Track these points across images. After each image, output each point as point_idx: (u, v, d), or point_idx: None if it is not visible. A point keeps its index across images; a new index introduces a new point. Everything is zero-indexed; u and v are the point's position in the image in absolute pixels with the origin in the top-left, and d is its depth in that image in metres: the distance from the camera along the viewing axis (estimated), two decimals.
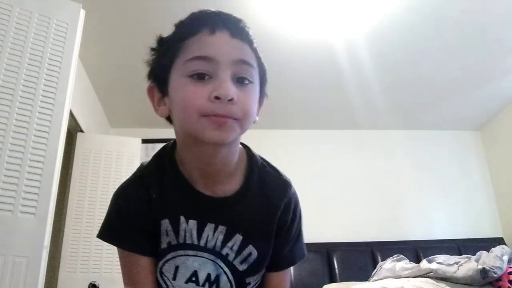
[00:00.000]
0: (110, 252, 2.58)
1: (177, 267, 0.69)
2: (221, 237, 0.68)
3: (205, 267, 0.69)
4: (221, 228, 0.68)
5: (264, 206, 0.71)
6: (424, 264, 2.13)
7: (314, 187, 3.60)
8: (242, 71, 0.65)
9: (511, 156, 3.64)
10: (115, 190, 0.76)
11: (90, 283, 2.47)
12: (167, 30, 0.77)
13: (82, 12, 1.87)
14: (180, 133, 0.68)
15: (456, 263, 2.02)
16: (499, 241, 3.39)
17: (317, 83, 3.16)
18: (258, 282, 0.73)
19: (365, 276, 2.81)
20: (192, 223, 0.68)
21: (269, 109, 3.75)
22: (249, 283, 0.70)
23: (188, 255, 0.68)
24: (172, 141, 0.74)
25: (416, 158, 3.87)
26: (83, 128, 2.79)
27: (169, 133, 2.99)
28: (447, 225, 3.64)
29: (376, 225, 3.48)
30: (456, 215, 3.70)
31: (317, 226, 3.46)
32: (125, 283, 0.74)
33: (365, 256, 3.26)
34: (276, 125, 3.69)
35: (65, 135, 1.73)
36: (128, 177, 0.76)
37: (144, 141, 3.40)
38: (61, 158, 1.69)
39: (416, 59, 2.93)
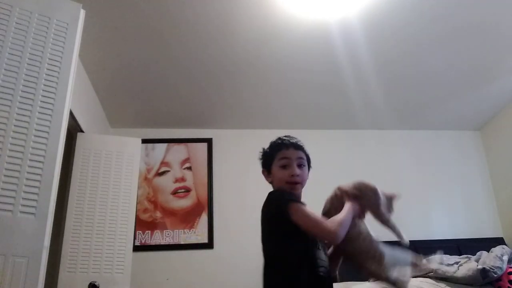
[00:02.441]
0: (110, 252, 2.59)
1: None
2: None
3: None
4: None
5: None
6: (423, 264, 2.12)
7: (313, 187, 3.60)
8: (300, 162, 1.49)
9: (511, 156, 3.64)
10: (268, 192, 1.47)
11: (90, 283, 2.47)
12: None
13: (82, 12, 1.87)
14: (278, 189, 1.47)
15: (456, 263, 2.01)
16: (499, 241, 3.39)
17: (316, 83, 3.16)
18: None
19: (365, 276, 2.80)
20: None
21: (269, 109, 3.78)
22: None
23: None
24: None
25: (416, 158, 3.87)
26: (83, 128, 2.79)
27: (168, 133, 3.02)
28: (447, 225, 3.64)
29: (376, 225, 3.48)
30: (456, 215, 3.70)
31: None
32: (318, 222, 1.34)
33: None
34: (276, 125, 3.69)
35: (65, 135, 1.73)
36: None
37: (144, 141, 3.40)
38: (61, 158, 1.69)
39: (416, 59, 2.94)
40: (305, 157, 1.51)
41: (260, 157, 1.56)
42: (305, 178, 1.49)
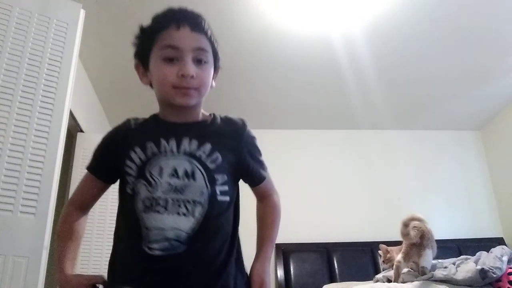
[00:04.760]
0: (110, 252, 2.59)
1: (161, 168, 0.89)
2: (194, 146, 0.92)
3: (182, 164, 0.90)
4: (194, 141, 0.92)
5: (229, 126, 0.99)
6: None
7: (314, 187, 3.60)
8: (199, 55, 0.91)
9: (511, 156, 3.64)
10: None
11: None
12: None
13: (82, 12, 1.87)
14: (159, 96, 0.97)
15: (455, 264, 2.01)
16: (499, 241, 3.39)
17: (316, 83, 3.16)
18: (225, 188, 0.93)
19: (365, 276, 2.81)
20: (172, 142, 0.92)
21: (270, 109, 3.78)
22: (217, 179, 0.91)
23: (169, 159, 0.91)
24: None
25: (416, 158, 3.87)
26: (83, 128, 2.79)
27: None
28: (447, 225, 3.64)
29: (376, 225, 3.48)
30: (456, 215, 3.70)
31: (317, 226, 3.46)
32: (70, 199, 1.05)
33: (365, 256, 3.27)
34: (276, 125, 3.69)
35: (65, 135, 1.74)
36: None
37: None
38: (61, 158, 1.69)
39: (416, 59, 2.93)
40: (209, 49, 0.94)
41: (134, 41, 0.96)
42: (206, 82, 0.93)
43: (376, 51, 2.80)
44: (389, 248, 2.25)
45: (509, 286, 1.82)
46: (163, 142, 0.91)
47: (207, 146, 0.92)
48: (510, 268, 1.92)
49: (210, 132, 0.96)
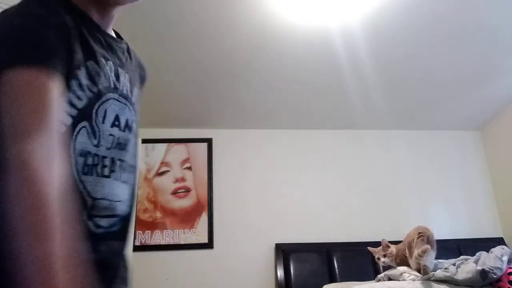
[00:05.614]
0: None
1: (105, 112, 0.65)
2: (128, 85, 0.71)
3: (124, 112, 0.69)
4: (127, 76, 0.71)
5: (142, 72, 0.78)
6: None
7: (313, 187, 3.60)
8: None
9: (511, 156, 3.63)
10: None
11: None
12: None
13: None
14: None
15: (455, 265, 2.01)
16: (499, 241, 3.39)
17: (315, 83, 3.16)
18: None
19: (365, 276, 2.81)
20: (110, 65, 0.67)
21: (269, 109, 3.78)
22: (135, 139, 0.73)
23: (114, 99, 0.67)
24: None
25: (416, 158, 3.87)
26: None
27: (168, 133, 3.02)
28: (447, 225, 3.64)
29: (376, 225, 3.48)
30: (456, 215, 3.70)
31: (317, 226, 3.46)
32: (30, 130, 0.51)
33: (365, 256, 3.26)
34: (276, 125, 3.69)
35: None
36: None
37: (144, 141, 3.40)
38: None
39: (416, 59, 2.93)
40: None
41: None
42: None
43: (376, 52, 2.80)
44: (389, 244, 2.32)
45: (509, 286, 1.82)
46: (106, 67, 0.65)
47: (135, 91, 0.73)
48: (510, 268, 1.92)
49: (134, 71, 0.74)
